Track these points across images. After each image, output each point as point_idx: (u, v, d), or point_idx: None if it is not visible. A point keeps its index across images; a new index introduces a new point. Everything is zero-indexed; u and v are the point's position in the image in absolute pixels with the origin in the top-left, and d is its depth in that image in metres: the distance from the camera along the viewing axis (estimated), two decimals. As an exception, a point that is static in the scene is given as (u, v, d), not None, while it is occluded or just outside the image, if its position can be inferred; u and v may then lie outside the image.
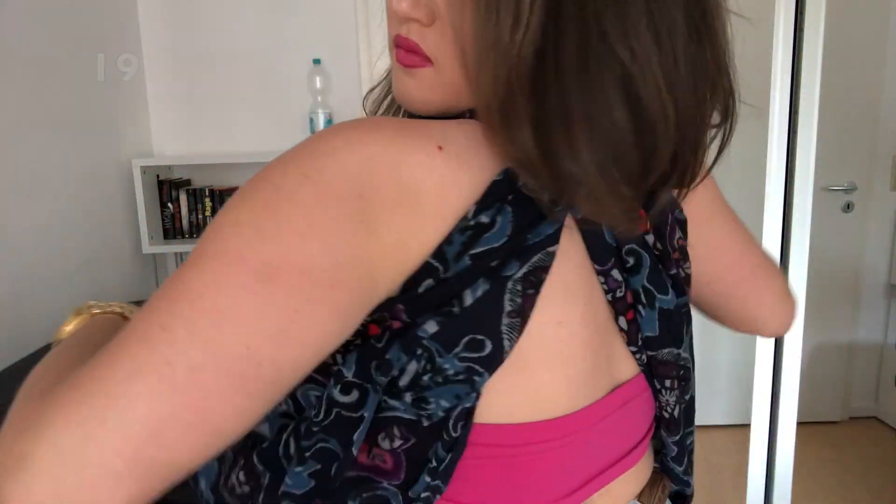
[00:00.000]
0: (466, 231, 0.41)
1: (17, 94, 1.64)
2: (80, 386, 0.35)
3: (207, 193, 2.35)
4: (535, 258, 0.43)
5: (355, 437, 0.42)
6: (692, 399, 0.62)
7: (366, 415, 0.42)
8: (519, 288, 0.43)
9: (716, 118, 0.51)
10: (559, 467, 0.48)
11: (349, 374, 0.42)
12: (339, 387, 0.43)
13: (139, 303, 1.99)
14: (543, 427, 0.46)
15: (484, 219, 0.42)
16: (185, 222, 2.36)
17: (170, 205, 2.34)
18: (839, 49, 2.54)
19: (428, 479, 0.44)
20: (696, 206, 0.59)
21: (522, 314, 0.43)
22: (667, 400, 0.57)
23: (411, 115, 0.52)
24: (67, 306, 1.82)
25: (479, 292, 0.42)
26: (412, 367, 0.42)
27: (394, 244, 0.40)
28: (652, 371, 0.56)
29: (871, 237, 2.77)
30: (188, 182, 2.45)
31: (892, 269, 2.79)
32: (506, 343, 0.43)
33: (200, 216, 2.36)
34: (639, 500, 0.57)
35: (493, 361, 0.43)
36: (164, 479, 0.35)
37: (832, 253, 2.73)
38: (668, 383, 0.56)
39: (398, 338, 0.42)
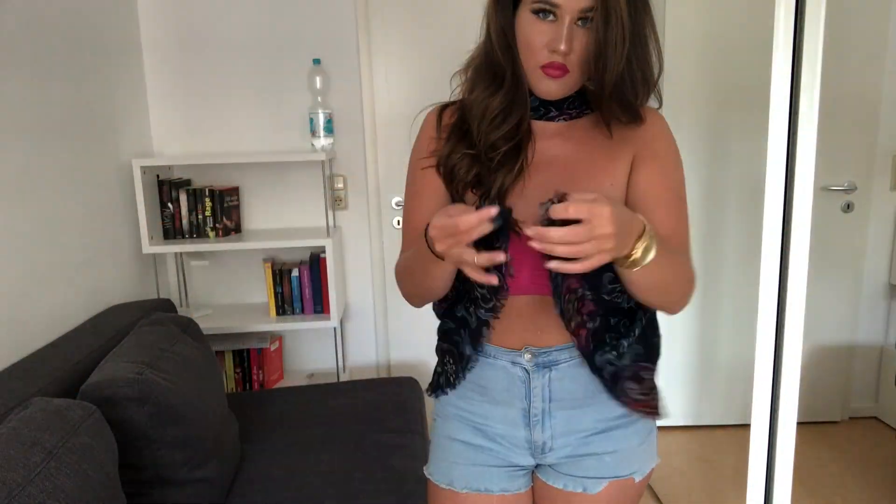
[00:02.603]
0: None
1: (17, 94, 1.64)
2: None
3: (207, 193, 2.35)
4: None
5: None
6: None
7: None
8: None
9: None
10: None
11: None
12: None
13: (140, 302, 1.97)
14: None
15: None
16: (185, 222, 2.36)
17: (170, 205, 2.34)
18: (839, 49, 2.54)
19: None
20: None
21: None
22: None
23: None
24: (67, 306, 1.82)
25: None
26: None
27: None
28: None
29: (871, 237, 2.77)
30: (188, 182, 2.45)
31: (892, 269, 2.79)
32: None
33: (200, 216, 2.36)
34: None
35: None
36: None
37: (832, 253, 2.73)
38: None
39: None
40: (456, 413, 1.09)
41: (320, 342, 2.67)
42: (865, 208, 2.72)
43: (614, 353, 0.96)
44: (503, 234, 0.86)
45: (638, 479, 1.05)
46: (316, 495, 1.58)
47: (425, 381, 2.75)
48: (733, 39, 2.49)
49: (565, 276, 0.90)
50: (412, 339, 2.69)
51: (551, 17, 0.88)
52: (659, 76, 0.94)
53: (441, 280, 0.94)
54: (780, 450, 1.68)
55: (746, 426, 1.71)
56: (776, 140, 1.55)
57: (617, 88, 0.90)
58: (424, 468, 1.15)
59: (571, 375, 1.00)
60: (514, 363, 1.01)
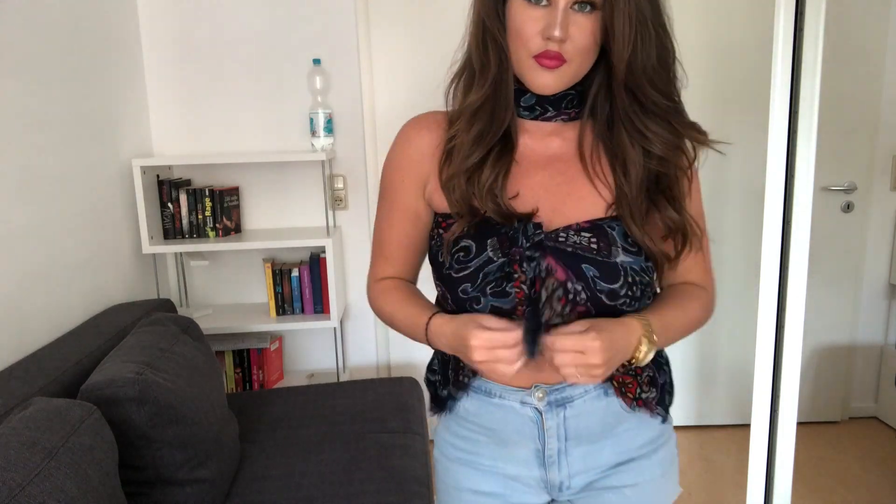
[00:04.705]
0: None
1: (17, 94, 1.64)
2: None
3: (207, 193, 2.35)
4: None
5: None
6: None
7: None
8: None
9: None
10: None
11: None
12: None
13: (140, 302, 1.97)
14: None
15: None
16: (185, 222, 2.36)
17: (170, 205, 2.34)
18: (839, 49, 2.54)
19: None
20: None
21: None
22: None
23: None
24: (67, 306, 1.82)
25: None
26: None
27: None
28: None
29: (871, 237, 2.77)
30: (188, 182, 2.45)
31: (892, 269, 2.79)
32: None
33: (200, 216, 2.36)
34: None
35: None
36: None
37: (832, 253, 2.73)
38: None
39: None
40: (459, 456, 1.00)
41: (320, 342, 2.68)
42: (865, 208, 2.72)
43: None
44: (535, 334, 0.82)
45: None
46: (316, 495, 1.58)
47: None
48: (733, 39, 2.49)
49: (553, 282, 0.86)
50: (412, 340, 2.69)
51: (545, 2, 0.80)
52: (673, 62, 0.86)
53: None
54: (780, 450, 1.68)
55: (746, 426, 1.71)
56: (776, 140, 1.55)
57: (630, 77, 0.82)
58: None
59: (588, 410, 0.91)
60: (523, 403, 0.91)
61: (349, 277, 2.64)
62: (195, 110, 2.48)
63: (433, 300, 1.00)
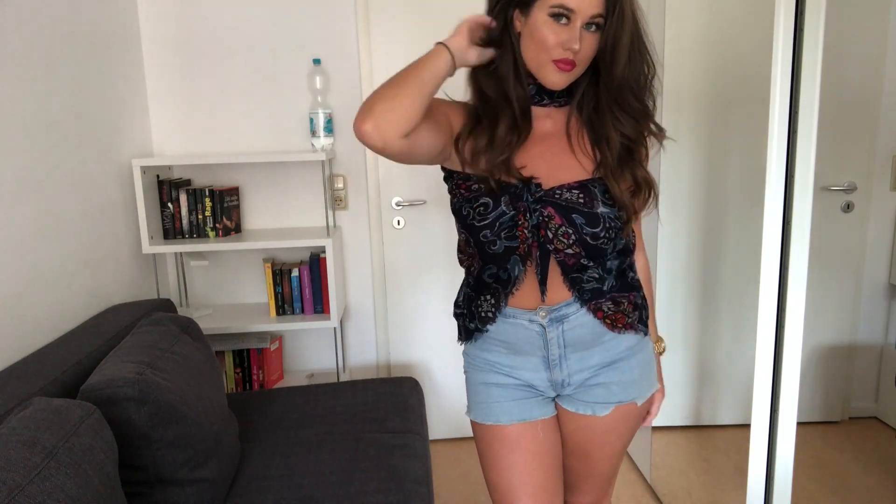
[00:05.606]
0: None
1: (17, 94, 1.64)
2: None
3: (207, 193, 2.35)
4: None
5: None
6: None
7: None
8: None
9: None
10: None
11: None
12: None
13: (140, 302, 1.97)
14: None
15: None
16: (185, 222, 2.36)
17: (170, 205, 2.34)
18: (839, 49, 2.54)
19: None
20: None
21: None
22: None
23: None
24: (67, 306, 1.82)
25: None
26: None
27: None
28: None
29: (871, 237, 2.77)
30: (188, 182, 2.45)
31: (892, 269, 2.79)
32: None
33: (200, 216, 2.36)
34: None
35: None
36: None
37: (832, 253, 2.73)
38: None
39: None
40: (485, 365, 1.28)
41: (320, 342, 2.68)
42: (865, 208, 2.72)
43: (595, 275, 1.18)
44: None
45: (640, 402, 1.27)
46: (316, 495, 1.58)
47: (425, 381, 2.74)
48: (733, 39, 2.49)
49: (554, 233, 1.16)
50: (412, 339, 2.69)
51: (564, 21, 1.05)
52: (652, 77, 1.12)
53: (435, 80, 1.06)
54: (780, 450, 1.68)
55: (746, 426, 1.71)
56: (776, 140, 1.55)
57: (626, 82, 1.10)
58: (466, 412, 1.33)
59: (580, 324, 1.19)
60: (531, 321, 1.19)
61: (349, 277, 2.64)
62: (195, 110, 2.48)
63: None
